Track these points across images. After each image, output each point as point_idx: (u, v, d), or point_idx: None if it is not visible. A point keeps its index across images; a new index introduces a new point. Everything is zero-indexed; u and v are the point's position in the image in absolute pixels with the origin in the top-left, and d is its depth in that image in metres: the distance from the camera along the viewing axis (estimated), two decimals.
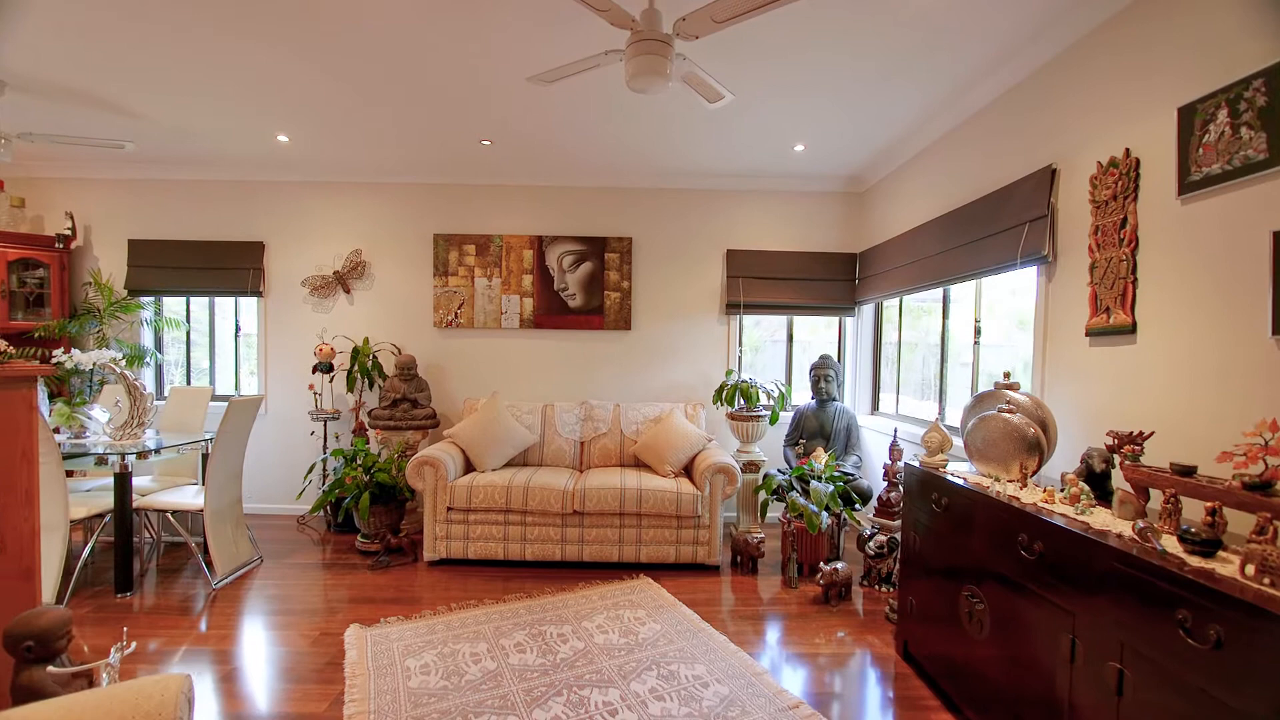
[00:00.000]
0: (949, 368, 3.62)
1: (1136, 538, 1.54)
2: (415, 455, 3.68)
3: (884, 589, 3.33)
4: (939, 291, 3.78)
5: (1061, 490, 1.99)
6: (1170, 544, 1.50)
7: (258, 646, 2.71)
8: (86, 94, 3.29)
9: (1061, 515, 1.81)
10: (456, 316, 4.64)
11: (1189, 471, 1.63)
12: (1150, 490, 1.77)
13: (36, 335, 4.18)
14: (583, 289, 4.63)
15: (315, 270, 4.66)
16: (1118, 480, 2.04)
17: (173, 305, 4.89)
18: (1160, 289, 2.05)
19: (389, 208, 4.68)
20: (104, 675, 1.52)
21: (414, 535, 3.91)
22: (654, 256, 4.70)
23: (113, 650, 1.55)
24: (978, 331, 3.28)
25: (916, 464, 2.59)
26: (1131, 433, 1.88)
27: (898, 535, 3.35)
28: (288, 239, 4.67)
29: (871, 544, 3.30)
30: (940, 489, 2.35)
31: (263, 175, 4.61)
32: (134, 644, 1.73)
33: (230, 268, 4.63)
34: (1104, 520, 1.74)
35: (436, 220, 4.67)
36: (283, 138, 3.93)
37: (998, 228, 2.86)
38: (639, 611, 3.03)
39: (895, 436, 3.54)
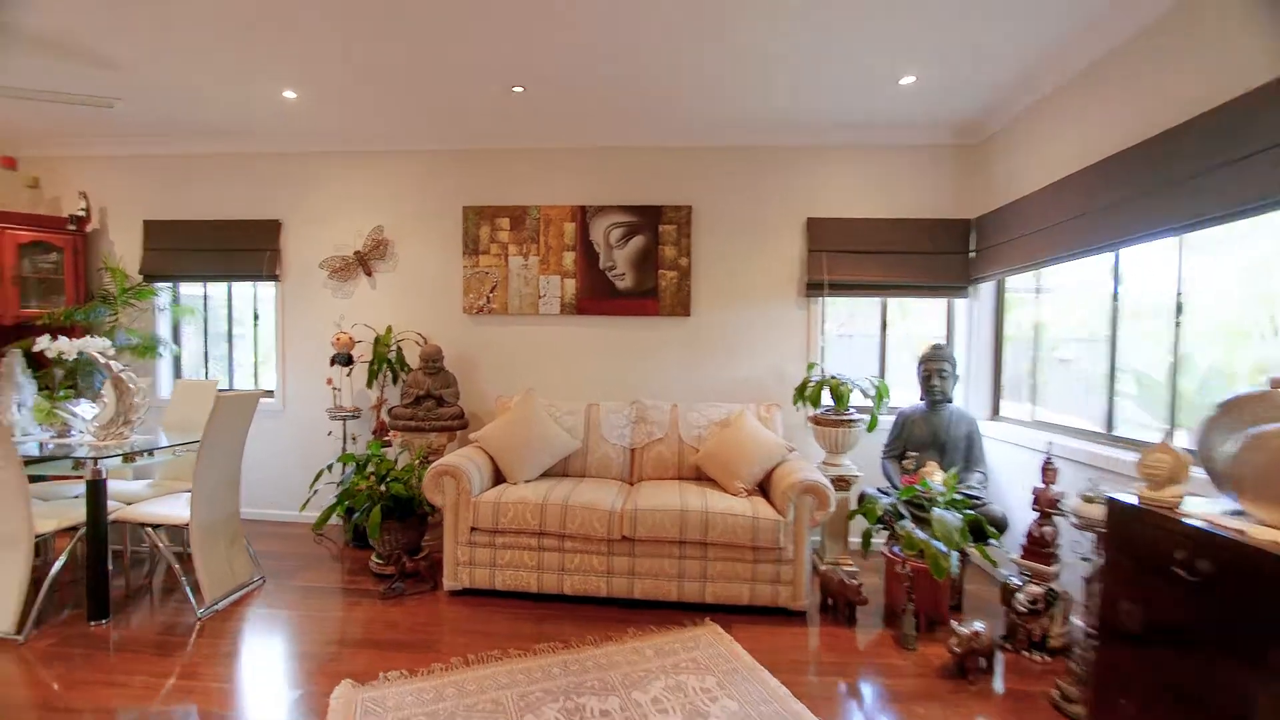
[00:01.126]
0: (1056, 361, 2.70)
1: None
2: (434, 463, 3.08)
3: (1038, 657, 2.47)
4: (1026, 277, 2.90)
5: None
6: None
7: (225, 707, 2.14)
8: (64, 41, 2.83)
9: None
10: (489, 301, 4.03)
11: None
12: None
13: (39, 324, 3.82)
14: (633, 268, 3.92)
15: (334, 250, 4.15)
16: None
17: (194, 292, 4.51)
18: None
19: (413, 179, 4.12)
20: None
21: (436, 554, 3.32)
22: (718, 228, 3.94)
23: None
24: (1179, 309, 2.37)
25: (1129, 499, 1.74)
26: None
27: (1055, 587, 2.48)
28: (305, 216, 4.19)
29: (1022, 596, 2.45)
30: (1191, 544, 1.51)
31: (277, 146, 4.14)
32: None
33: (246, 249, 4.19)
34: None
35: (466, 191, 4.07)
36: (289, 94, 3.41)
37: (1237, 154, 1.96)
38: (707, 679, 2.30)
39: (1050, 453, 2.66)
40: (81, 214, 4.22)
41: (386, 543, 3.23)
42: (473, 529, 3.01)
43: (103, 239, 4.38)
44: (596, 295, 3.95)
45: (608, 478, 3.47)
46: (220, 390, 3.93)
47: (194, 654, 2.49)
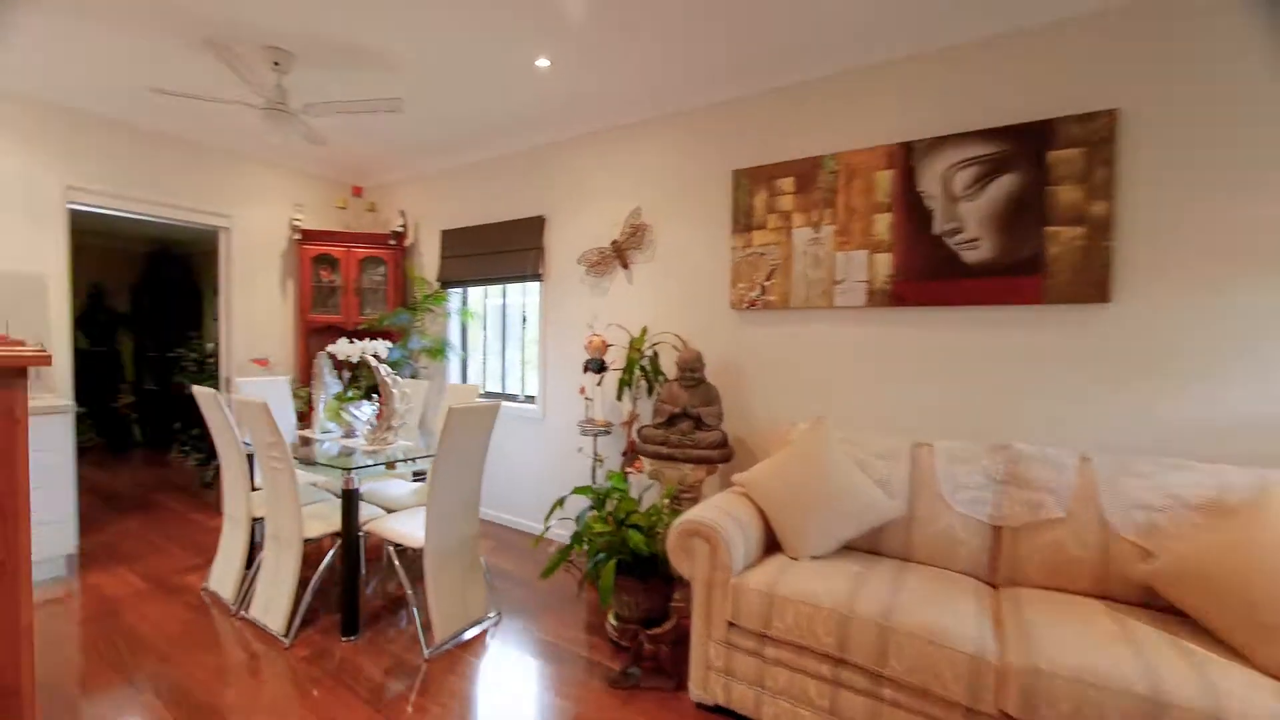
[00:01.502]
0: None
1: None
2: (683, 516, 2.20)
3: None
4: None
5: None
6: None
7: None
8: (357, 48, 2.84)
9: None
10: (763, 291, 3.03)
11: None
12: None
13: (361, 328, 4.26)
14: (994, 227, 2.45)
15: (592, 242, 3.69)
16: None
17: (484, 299, 4.64)
18: None
19: (673, 146, 3.37)
20: None
21: (685, 620, 2.44)
22: (1170, 143, 2.19)
23: None
24: None
25: None
26: None
27: None
28: (565, 208, 3.84)
29: None
30: None
31: (539, 137, 3.87)
32: None
33: (516, 250, 4.05)
34: None
35: (736, 150, 3.15)
36: (543, 62, 2.98)
37: None
38: None
39: None
40: (400, 230, 4.66)
41: (623, 604, 2.48)
42: (730, 624, 2.03)
43: (416, 251, 4.79)
44: (926, 275, 2.59)
45: (949, 568, 2.11)
46: (482, 395, 3.78)
47: (398, 710, 2.07)
